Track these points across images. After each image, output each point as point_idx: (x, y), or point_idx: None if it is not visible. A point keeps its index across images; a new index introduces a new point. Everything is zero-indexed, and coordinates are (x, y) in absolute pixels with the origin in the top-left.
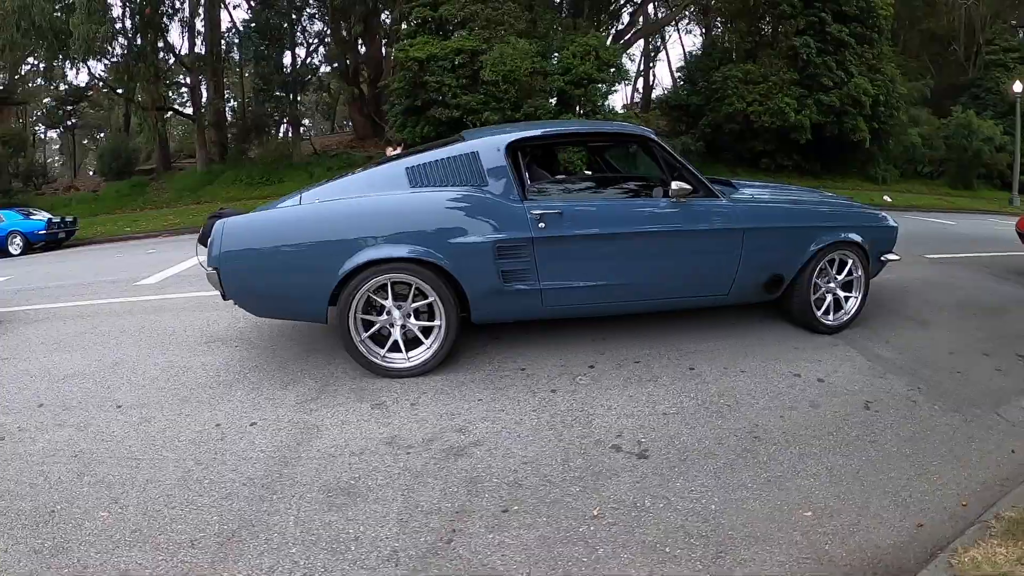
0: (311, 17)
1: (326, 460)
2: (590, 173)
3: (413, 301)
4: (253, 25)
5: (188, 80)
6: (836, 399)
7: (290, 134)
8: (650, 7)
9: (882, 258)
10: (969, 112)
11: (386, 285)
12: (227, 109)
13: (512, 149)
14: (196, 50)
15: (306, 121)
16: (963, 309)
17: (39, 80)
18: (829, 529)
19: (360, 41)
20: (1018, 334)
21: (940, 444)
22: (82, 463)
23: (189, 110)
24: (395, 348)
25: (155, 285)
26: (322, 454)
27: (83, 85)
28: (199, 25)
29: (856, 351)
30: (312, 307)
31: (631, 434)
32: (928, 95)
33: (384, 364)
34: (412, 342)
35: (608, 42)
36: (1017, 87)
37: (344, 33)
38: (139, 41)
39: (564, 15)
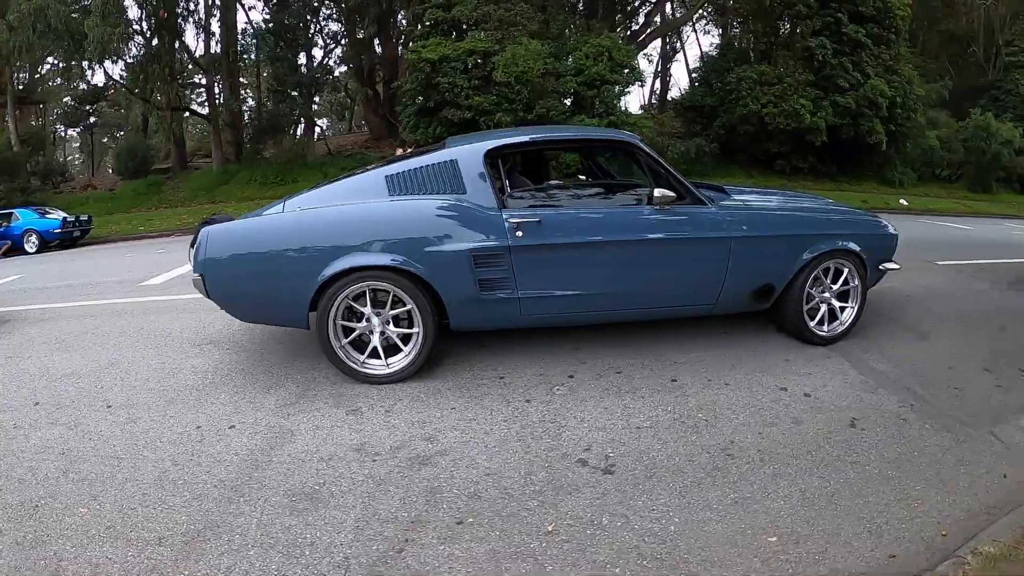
0: (327, 18)
1: (295, 465)
2: (584, 178)
3: (392, 308)
4: (271, 25)
5: (204, 80)
6: (821, 415)
7: (305, 134)
8: (667, 7)
9: (881, 267)
10: (988, 114)
11: (365, 292)
12: (243, 109)
13: (492, 156)
14: (211, 51)
15: (323, 121)
16: (968, 320)
17: (58, 80)
18: (793, 556)
19: (377, 42)
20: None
21: (926, 467)
22: (68, 460)
23: (205, 110)
24: (375, 354)
25: (160, 286)
26: (292, 459)
27: (101, 85)
28: (214, 26)
29: (850, 364)
30: (293, 313)
31: (600, 448)
32: (947, 97)
33: (363, 370)
34: (391, 349)
35: (623, 42)
36: None
37: (360, 34)
38: (154, 42)
39: (579, 16)
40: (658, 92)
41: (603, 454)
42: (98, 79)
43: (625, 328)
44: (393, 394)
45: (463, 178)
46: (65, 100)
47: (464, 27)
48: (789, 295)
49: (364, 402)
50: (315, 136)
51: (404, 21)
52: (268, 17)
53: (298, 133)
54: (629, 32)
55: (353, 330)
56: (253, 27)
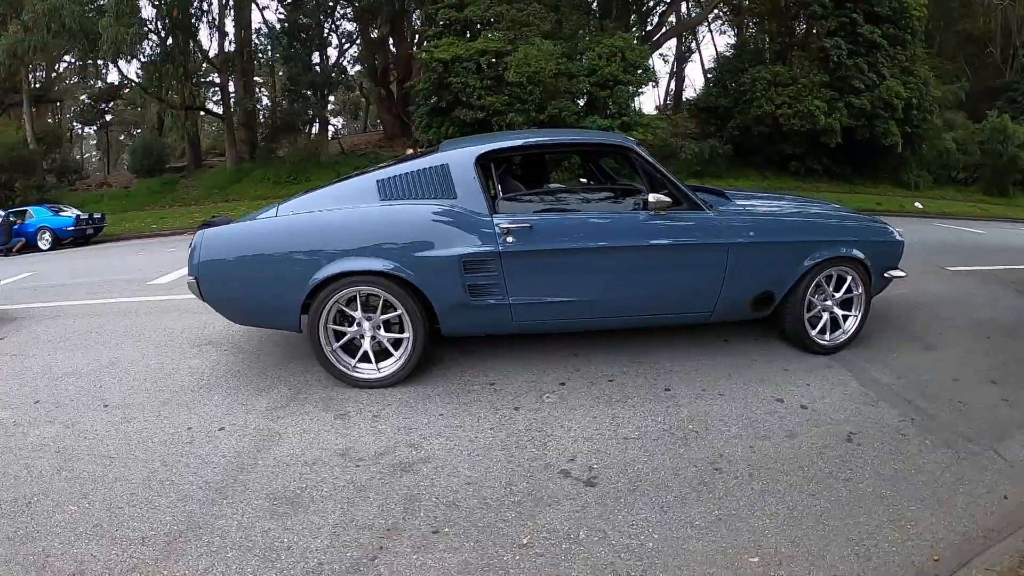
0: (341, 18)
1: (280, 468)
2: (586, 182)
3: (383, 313)
4: (286, 24)
5: (219, 80)
6: (817, 429)
7: (319, 133)
8: (683, 6)
9: (886, 274)
10: (1005, 116)
11: (356, 297)
12: (257, 108)
13: (483, 161)
14: (226, 51)
15: (338, 120)
16: (976, 329)
17: (75, 78)
18: None
19: (391, 41)
20: None
21: (923, 485)
22: (63, 458)
23: (220, 109)
24: (365, 359)
25: (166, 285)
26: (277, 462)
27: (117, 84)
28: (228, 26)
29: (851, 374)
30: (285, 317)
31: (584, 459)
32: (963, 98)
33: (354, 374)
34: (382, 353)
35: (636, 43)
36: None
37: (373, 34)
38: (169, 42)
39: (592, 16)
40: (673, 92)
41: (587, 465)
42: (113, 78)
43: (622, 335)
44: (382, 399)
45: (454, 183)
46: (82, 98)
47: (477, 27)
48: (790, 303)
49: (353, 407)
50: (329, 135)
51: (418, 21)
52: (282, 16)
53: (312, 132)
54: (643, 32)
55: (344, 334)
56: (267, 26)
